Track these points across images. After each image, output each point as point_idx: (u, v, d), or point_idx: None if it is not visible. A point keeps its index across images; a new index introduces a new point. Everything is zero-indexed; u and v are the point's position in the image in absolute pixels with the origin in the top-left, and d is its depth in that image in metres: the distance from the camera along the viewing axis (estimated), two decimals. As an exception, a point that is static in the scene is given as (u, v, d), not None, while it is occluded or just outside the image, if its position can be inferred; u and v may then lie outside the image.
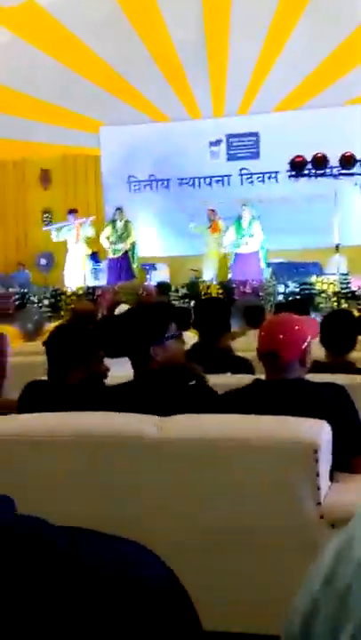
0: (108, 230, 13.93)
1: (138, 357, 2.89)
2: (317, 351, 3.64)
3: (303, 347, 2.81)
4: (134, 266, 13.99)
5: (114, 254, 13.86)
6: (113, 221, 13.94)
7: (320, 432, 2.30)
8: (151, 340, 2.82)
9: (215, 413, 2.57)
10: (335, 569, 0.61)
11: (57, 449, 2.42)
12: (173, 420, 2.41)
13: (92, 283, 13.79)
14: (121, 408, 2.58)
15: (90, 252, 14.04)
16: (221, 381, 3.12)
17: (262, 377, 2.90)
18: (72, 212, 14.09)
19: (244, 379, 3.15)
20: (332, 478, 2.45)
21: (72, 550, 0.63)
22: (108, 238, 13.93)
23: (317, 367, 3.45)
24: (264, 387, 2.81)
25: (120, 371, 3.27)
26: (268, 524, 2.30)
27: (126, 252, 13.79)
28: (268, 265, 13.46)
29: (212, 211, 14.11)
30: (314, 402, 2.67)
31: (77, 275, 13.57)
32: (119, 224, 13.77)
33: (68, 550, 0.63)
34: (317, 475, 2.26)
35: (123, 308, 6.92)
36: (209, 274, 13.65)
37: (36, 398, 2.92)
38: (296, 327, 2.86)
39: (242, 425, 2.41)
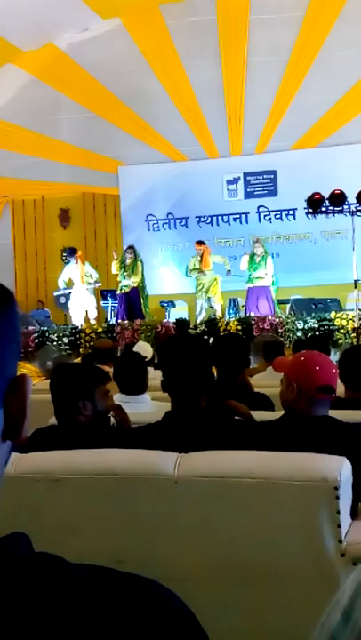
0: (115, 266, 13.90)
1: (190, 391, 2.76)
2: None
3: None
4: (144, 304, 13.91)
5: (121, 290, 13.86)
6: (123, 259, 13.92)
7: (341, 469, 2.28)
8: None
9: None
10: (354, 604, 0.61)
11: (75, 486, 2.41)
12: (193, 457, 2.39)
13: (101, 320, 13.84)
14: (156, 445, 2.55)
15: (92, 293, 14.10)
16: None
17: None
18: (72, 252, 14.21)
19: (262, 415, 3.13)
20: (353, 516, 2.42)
21: (90, 580, 0.63)
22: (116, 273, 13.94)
23: (336, 403, 3.43)
24: (293, 421, 2.79)
25: (136, 408, 3.25)
26: (288, 562, 2.27)
27: (135, 288, 13.76)
28: (280, 302, 13.42)
29: (201, 243, 13.83)
30: (340, 440, 2.64)
31: (85, 312, 13.62)
32: (127, 262, 13.77)
33: (86, 580, 0.63)
34: (338, 512, 2.23)
35: (141, 345, 6.94)
36: (203, 310, 13.45)
37: (44, 443, 2.86)
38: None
39: (261, 462, 2.39)
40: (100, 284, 14.27)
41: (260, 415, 3.29)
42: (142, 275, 13.82)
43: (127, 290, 13.72)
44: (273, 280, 13.31)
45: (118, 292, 13.90)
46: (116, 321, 13.38)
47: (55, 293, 15.16)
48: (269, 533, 2.29)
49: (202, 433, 2.67)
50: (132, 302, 13.69)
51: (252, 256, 13.38)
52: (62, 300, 15.03)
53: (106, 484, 2.40)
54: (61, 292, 14.68)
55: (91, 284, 13.96)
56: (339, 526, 2.23)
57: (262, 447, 2.52)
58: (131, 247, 13.98)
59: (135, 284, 13.70)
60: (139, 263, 13.79)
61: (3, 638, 0.57)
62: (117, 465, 2.43)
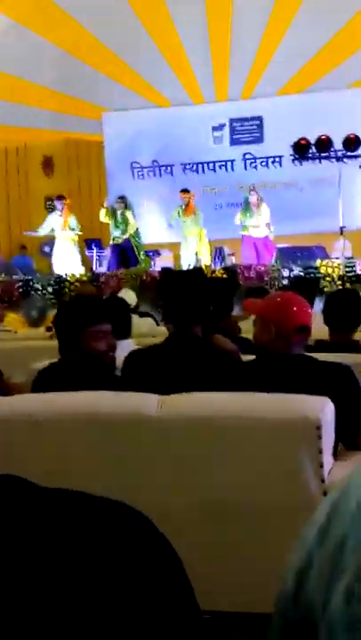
0: (104, 215, 13.74)
1: (187, 317, 3.01)
2: (322, 329, 3.62)
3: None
4: (138, 252, 13.80)
5: (114, 241, 13.76)
6: (113, 210, 13.75)
7: (323, 408, 2.27)
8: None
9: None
10: (330, 521, 0.60)
11: (56, 429, 2.40)
12: (175, 398, 2.38)
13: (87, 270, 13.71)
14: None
15: (75, 240, 13.89)
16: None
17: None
18: (60, 198, 14.00)
19: (244, 358, 3.13)
20: (335, 456, 2.43)
21: (59, 501, 0.60)
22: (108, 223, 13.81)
23: (321, 346, 3.43)
24: (270, 361, 2.78)
25: (120, 353, 3.24)
26: (270, 502, 2.27)
27: (128, 239, 13.66)
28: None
29: (186, 191, 13.69)
30: (319, 379, 2.65)
31: (68, 262, 13.45)
32: (118, 214, 13.62)
33: (54, 501, 0.60)
34: (320, 451, 2.23)
35: (125, 292, 6.91)
36: (189, 259, 13.38)
37: (48, 381, 2.90)
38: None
39: (243, 402, 2.38)
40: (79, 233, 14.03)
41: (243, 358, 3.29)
42: (134, 223, 13.72)
43: (119, 241, 13.62)
44: (270, 230, 13.23)
45: (111, 242, 13.80)
46: (109, 269, 13.29)
47: (26, 232, 15.01)
48: (252, 473, 2.29)
49: (195, 359, 2.80)
50: (126, 253, 13.59)
51: (247, 204, 13.29)
52: (47, 249, 14.91)
53: (87, 426, 2.39)
54: (34, 234, 14.47)
55: (73, 229, 13.71)
56: (321, 466, 2.23)
57: (243, 386, 2.53)
58: (122, 197, 13.81)
59: (127, 235, 13.58)
60: (128, 214, 13.63)
61: None
62: (99, 407, 2.41)
